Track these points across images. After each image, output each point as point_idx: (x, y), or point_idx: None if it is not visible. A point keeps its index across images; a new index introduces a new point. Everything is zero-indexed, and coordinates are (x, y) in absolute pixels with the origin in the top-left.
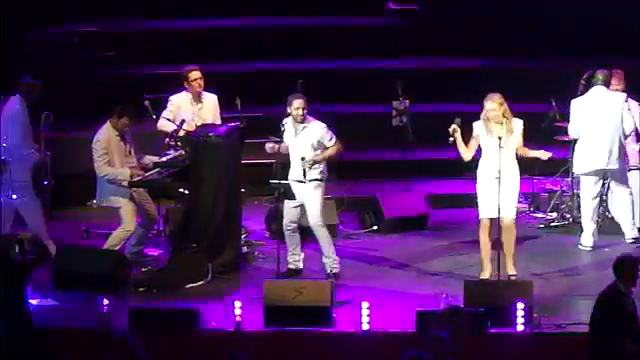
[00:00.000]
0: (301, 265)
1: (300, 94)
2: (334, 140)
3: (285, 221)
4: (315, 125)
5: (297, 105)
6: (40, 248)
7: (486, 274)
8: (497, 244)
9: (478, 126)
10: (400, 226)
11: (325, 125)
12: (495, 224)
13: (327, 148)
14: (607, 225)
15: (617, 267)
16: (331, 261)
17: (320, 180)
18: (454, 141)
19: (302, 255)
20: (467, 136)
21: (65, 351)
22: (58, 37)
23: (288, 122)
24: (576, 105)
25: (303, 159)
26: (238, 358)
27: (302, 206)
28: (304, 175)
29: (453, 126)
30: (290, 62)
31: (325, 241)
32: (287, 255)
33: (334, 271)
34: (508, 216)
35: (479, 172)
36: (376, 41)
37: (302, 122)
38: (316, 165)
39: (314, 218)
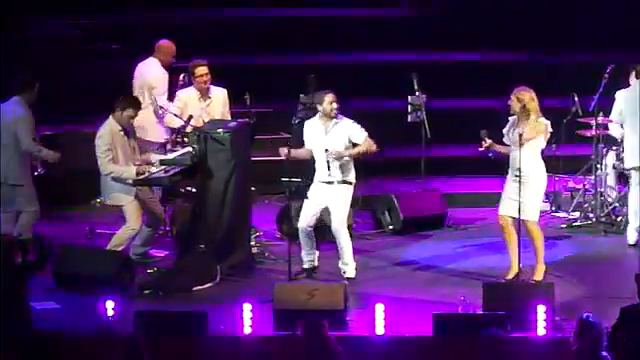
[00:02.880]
0: (316, 263)
1: (329, 89)
2: (365, 135)
3: (302, 224)
4: (346, 121)
5: (330, 99)
6: (42, 250)
7: (510, 274)
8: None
9: (511, 120)
10: (416, 226)
11: (353, 121)
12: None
13: (356, 145)
14: None
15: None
16: (347, 267)
17: (349, 183)
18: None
19: (317, 253)
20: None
21: (67, 355)
22: (59, 28)
23: (314, 122)
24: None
25: (327, 150)
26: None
27: (325, 209)
28: (328, 168)
29: (485, 144)
30: (302, 56)
31: (346, 246)
32: (302, 254)
33: (350, 276)
34: (524, 217)
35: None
36: (392, 33)
37: (335, 117)
38: (346, 166)
39: (338, 222)
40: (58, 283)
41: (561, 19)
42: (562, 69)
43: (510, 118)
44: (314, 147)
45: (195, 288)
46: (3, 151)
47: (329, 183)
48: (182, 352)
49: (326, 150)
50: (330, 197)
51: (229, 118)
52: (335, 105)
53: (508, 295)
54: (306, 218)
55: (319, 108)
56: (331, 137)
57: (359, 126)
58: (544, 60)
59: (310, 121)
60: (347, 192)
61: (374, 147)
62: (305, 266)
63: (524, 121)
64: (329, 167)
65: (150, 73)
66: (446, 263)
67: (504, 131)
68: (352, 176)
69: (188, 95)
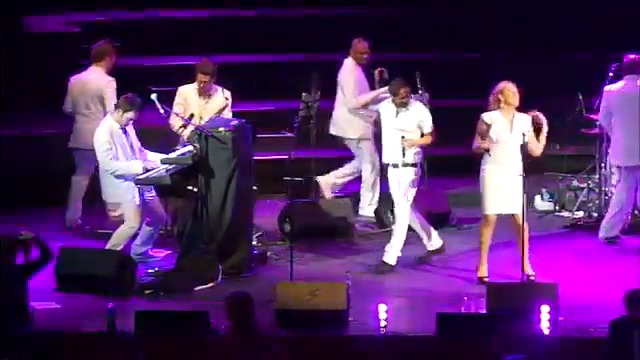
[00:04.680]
0: (437, 244)
1: (402, 81)
2: (431, 129)
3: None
4: (419, 107)
5: (403, 94)
6: (43, 249)
7: (484, 272)
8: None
9: (492, 117)
10: None
11: (427, 110)
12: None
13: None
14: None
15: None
16: (390, 251)
17: (414, 165)
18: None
19: (431, 234)
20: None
21: (67, 355)
22: (59, 26)
23: (387, 104)
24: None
25: (403, 137)
26: None
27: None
28: (403, 154)
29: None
30: (304, 54)
31: (396, 231)
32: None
33: (386, 261)
34: (519, 211)
35: (488, 166)
36: (394, 32)
37: (406, 106)
38: (412, 149)
39: (397, 204)
40: (58, 283)
41: (561, 19)
42: (565, 68)
43: (488, 115)
44: (385, 128)
45: (196, 288)
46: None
47: (394, 166)
48: (183, 352)
49: (402, 137)
50: (397, 181)
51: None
52: (406, 100)
53: (512, 295)
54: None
55: (392, 96)
56: (400, 120)
57: (429, 116)
58: (546, 59)
59: (385, 102)
60: (410, 175)
61: (433, 140)
62: (429, 249)
63: (512, 115)
64: (399, 149)
65: (341, 72)
66: (449, 262)
67: (496, 128)
68: (414, 158)
69: (188, 91)
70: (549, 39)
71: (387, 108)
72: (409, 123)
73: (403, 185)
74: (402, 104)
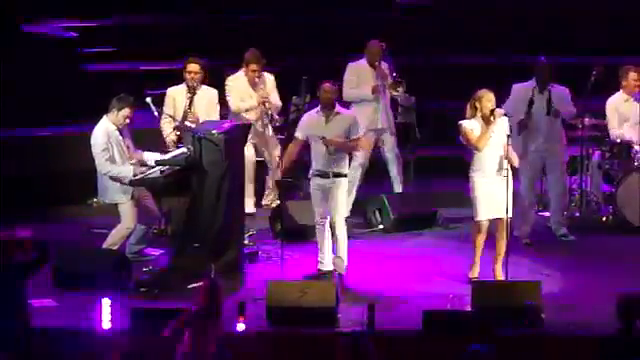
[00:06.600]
0: (331, 267)
1: (330, 81)
2: (359, 135)
3: (316, 217)
4: (348, 115)
5: (326, 89)
6: (41, 248)
7: (476, 273)
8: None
9: (473, 124)
10: (407, 225)
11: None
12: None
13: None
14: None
15: None
16: (340, 261)
17: (344, 176)
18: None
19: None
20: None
21: (65, 352)
22: (58, 31)
23: (314, 113)
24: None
25: (323, 138)
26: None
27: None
28: (328, 152)
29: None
30: (295, 58)
31: (342, 241)
32: (317, 254)
33: (341, 272)
34: (505, 216)
35: (476, 173)
36: (383, 36)
37: (332, 109)
38: (341, 159)
39: (336, 215)
40: (56, 281)
41: (556, 22)
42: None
43: (469, 122)
44: (313, 136)
45: (189, 286)
46: None
47: (325, 177)
48: (176, 349)
49: (323, 138)
50: (328, 191)
51: (215, 117)
52: (330, 95)
53: (496, 293)
54: (317, 211)
55: (318, 94)
56: (330, 127)
57: (357, 122)
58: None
59: (312, 111)
60: (342, 185)
61: (359, 148)
62: (320, 267)
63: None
64: (326, 158)
65: None
66: (436, 261)
67: (476, 134)
68: (347, 169)
69: (176, 90)
70: (540, 42)
71: (318, 115)
72: (337, 131)
73: (334, 195)
74: (326, 105)
